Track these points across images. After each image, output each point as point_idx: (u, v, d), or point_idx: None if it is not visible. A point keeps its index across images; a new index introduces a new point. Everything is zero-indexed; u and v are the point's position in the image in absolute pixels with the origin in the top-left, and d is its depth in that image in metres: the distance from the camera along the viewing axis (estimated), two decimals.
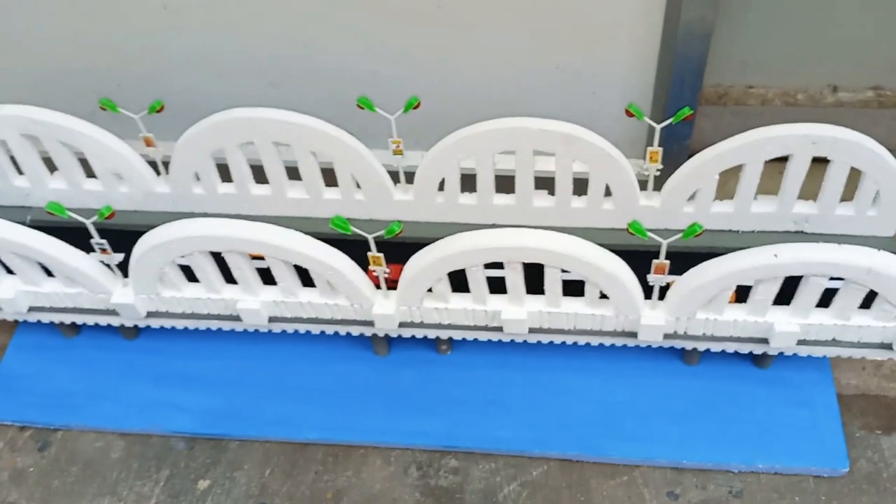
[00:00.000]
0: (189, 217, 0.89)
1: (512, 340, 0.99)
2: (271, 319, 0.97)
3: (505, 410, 1.03)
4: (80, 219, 0.87)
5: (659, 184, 0.99)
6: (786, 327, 0.89)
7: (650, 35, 1.08)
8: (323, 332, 1.02)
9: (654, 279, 0.87)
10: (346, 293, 0.92)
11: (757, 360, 1.03)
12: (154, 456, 1.04)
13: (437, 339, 1.04)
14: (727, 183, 1.00)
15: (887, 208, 0.96)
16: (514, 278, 0.88)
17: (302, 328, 0.99)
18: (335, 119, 0.97)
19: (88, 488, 1.01)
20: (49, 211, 0.86)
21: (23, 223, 0.92)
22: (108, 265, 0.95)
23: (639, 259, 0.89)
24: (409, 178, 1.02)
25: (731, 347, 0.96)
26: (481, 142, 0.93)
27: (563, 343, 0.99)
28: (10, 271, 0.97)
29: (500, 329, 0.95)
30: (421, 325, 0.96)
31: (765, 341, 0.93)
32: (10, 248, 0.91)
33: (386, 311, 0.92)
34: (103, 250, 0.91)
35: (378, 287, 0.93)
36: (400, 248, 0.91)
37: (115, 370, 1.09)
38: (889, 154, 0.92)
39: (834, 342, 0.93)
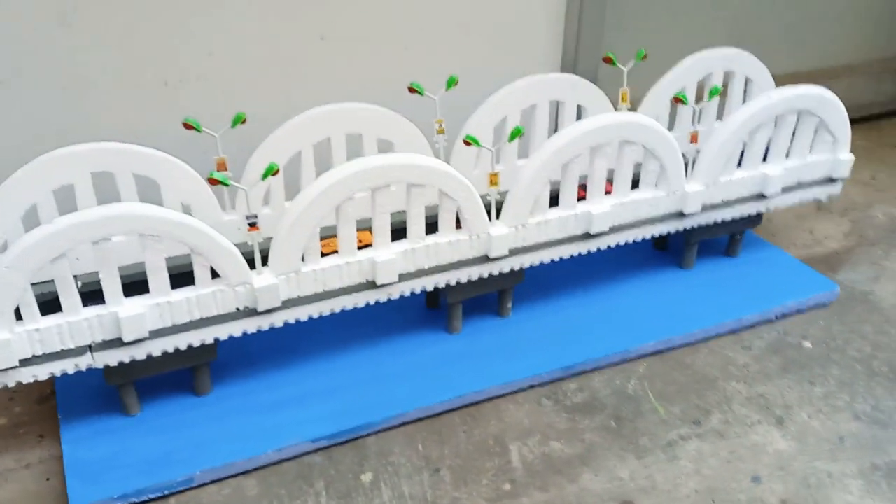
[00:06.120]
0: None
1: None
2: (400, 278, 1.02)
3: (586, 329, 1.17)
4: (239, 185, 0.90)
5: None
6: (777, 171, 1.20)
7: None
8: (424, 291, 1.07)
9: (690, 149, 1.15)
10: (471, 221, 1.02)
11: (729, 249, 1.33)
12: (297, 477, 0.97)
13: (500, 302, 1.17)
14: None
15: None
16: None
17: (419, 285, 1.05)
18: None
19: None
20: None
21: None
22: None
23: None
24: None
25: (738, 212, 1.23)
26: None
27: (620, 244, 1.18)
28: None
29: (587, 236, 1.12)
30: (522, 249, 1.09)
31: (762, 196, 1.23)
32: (160, 229, 0.87)
33: (501, 231, 1.04)
34: (252, 225, 0.92)
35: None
36: None
37: (204, 420, 1.01)
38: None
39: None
